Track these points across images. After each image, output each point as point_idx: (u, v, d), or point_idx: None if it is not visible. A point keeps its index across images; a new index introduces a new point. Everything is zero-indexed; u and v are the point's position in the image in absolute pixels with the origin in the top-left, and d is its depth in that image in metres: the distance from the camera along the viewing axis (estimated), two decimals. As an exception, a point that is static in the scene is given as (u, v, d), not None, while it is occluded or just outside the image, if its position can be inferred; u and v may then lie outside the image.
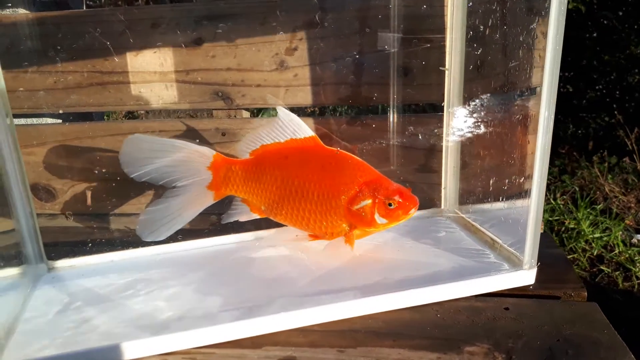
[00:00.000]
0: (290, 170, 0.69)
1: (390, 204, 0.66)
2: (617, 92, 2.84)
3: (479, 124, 0.75)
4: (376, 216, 0.66)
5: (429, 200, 0.84)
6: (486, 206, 0.75)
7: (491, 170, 0.73)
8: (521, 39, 0.65)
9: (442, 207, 0.84)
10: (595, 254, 2.04)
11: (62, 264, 0.74)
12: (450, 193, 0.82)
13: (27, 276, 0.69)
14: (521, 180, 0.67)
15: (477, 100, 0.74)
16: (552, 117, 0.57)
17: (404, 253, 0.73)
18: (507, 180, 0.70)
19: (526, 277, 0.65)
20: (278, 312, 0.59)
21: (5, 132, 0.67)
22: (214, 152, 0.71)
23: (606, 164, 2.54)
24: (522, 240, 0.64)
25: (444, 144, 0.80)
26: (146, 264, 0.74)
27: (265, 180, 0.70)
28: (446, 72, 0.78)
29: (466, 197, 0.80)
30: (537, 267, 0.65)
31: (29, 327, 0.60)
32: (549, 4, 0.54)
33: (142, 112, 1.04)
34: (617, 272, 1.85)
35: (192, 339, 0.57)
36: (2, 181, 0.66)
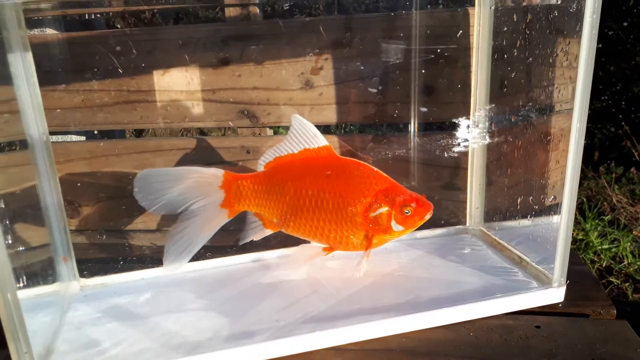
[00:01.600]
0: (304, 180, 0.69)
1: (407, 211, 0.66)
2: (623, 103, 2.85)
3: (505, 141, 0.76)
4: (393, 223, 0.67)
5: (454, 217, 0.85)
6: (512, 223, 0.76)
7: (517, 188, 0.74)
8: (550, 59, 0.66)
9: (467, 224, 0.85)
10: (604, 265, 2.04)
11: (94, 281, 0.75)
12: (475, 210, 0.83)
13: (61, 294, 0.70)
14: (549, 198, 0.68)
15: (502, 118, 0.75)
16: (584, 134, 0.58)
17: (432, 271, 0.74)
18: (533, 198, 0.71)
19: (556, 295, 0.65)
20: (313, 331, 0.59)
21: (41, 149, 0.68)
22: (224, 171, 0.71)
23: (613, 175, 2.55)
24: (550, 257, 0.65)
25: (469, 161, 0.81)
26: (176, 282, 0.75)
27: (276, 192, 0.70)
28: (472, 90, 0.79)
29: (491, 214, 0.81)
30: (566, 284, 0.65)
31: (66, 347, 0.60)
32: (581, 26, 0.55)
33: (168, 130, 1.05)
34: (626, 284, 1.85)
35: (227, 358, 0.57)
36: (38, 197, 0.67)
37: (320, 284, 0.71)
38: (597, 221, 2.25)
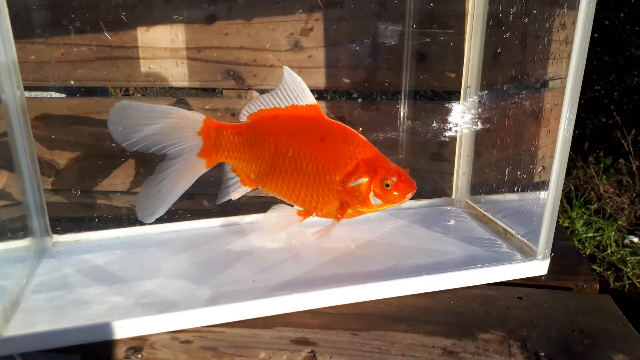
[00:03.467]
0: (286, 138, 0.66)
1: (387, 185, 0.63)
2: (616, 94, 2.85)
3: (496, 113, 0.75)
4: (371, 195, 0.63)
5: (440, 189, 0.84)
6: (499, 196, 0.75)
7: (506, 160, 0.72)
8: (546, 27, 0.64)
9: (453, 196, 0.83)
10: (587, 253, 2.05)
11: (68, 238, 0.73)
12: (461, 182, 0.82)
13: (32, 249, 0.67)
14: (538, 171, 0.67)
15: (494, 89, 0.73)
16: (576, 107, 0.57)
17: (416, 240, 0.72)
18: (521, 171, 0.70)
19: (539, 267, 0.64)
20: (291, 293, 0.58)
21: (15, 105, 0.65)
22: (204, 117, 0.67)
23: (601, 165, 2.55)
24: (536, 230, 0.64)
25: (458, 132, 0.80)
26: (153, 242, 0.73)
27: (257, 146, 0.67)
28: (465, 58, 0.77)
29: (478, 187, 0.80)
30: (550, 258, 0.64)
31: (34, 300, 0.58)
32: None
33: (154, 89, 1.02)
34: (608, 272, 1.87)
35: (203, 317, 0.56)
36: (11, 154, 0.65)
37: (300, 249, 0.70)
38: (583, 210, 2.26)
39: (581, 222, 2.16)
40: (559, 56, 0.66)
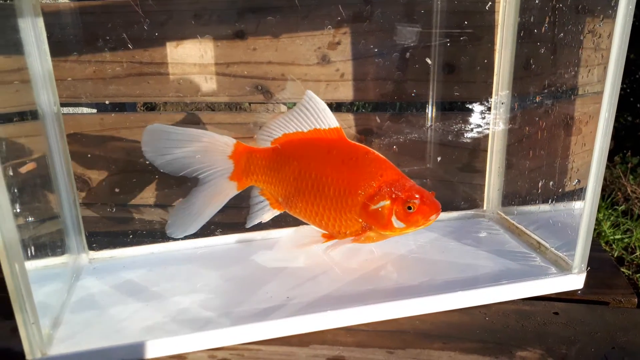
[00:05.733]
0: (309, 162, 0.66)
1: (409, 207, 0.61)
2: (642, 92, 2.78)
3: (527, 123, 0.74)
4: (393, 219, 0.62)
5: (471, 200, 0.83)
6: (532, 208, 0.74)
7: (538, 171, 0.72)
8: (578, 36, 0.63)
9: (485, 208, 0.83)
10: (615, 255, 2.02)
11: (103, 254, 0.74)
12: (493, 194, 0.81)
13: (70, 266, 0.69)
14: (572, 183, 0.66)
15: (526, 99, 0.73)
16: (613, 118, 0.56)
17: (448, 254, 0.72)
18: (555, 182, 0.69)
19: (575, 281, 0.64)
20: (325, 310, 0.58)
21: (52, 120, 0.67)
22: (235, 141, 0.69)
23: (628, 165, 2.50)
24: (571, 243, 0.63)
25: (489, 143, 0.79)
26: (186, 257, 0.74)
27: (284, 170, 0.68)
28: (495, 69, 0.76)
29: (510, 198, 0.79)
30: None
31: (74, 319, 0.60)
32: (616, 3, 0.52)
33: (181, 103, 1.04)
34: (637, 275, 1.83)
35: (239, 335, 0.56)
36: (48, 169, 0.66)
37: (331, 265, 0.70)
38: (610, 211, 2.22)
39: (608, 223, 2.12)
40: (591, 64, 0.65)
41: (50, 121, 0.66)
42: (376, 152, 0.66)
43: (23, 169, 0.58)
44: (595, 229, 2.11)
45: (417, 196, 0.62)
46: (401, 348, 0.56)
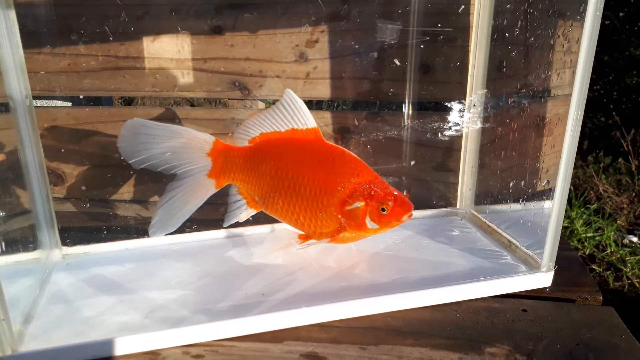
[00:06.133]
0: (286, 162, 0.67)
1: (383, 209, 0.62)
2: (615, 93, 2.86)
3: (500, 124, 0.75)
4: (367, 220, 0.63)
5: (445, 199, 0.85)
6: (503, 207, 0.75)
7: (510, 171, 0.73)
8: (549, 39, 0.65)
9: (458, 206, 0.84)
10: (587, 253, 2.06)
11: (77, 250, 0.73)
12: (466, 193, 0.83)
13: (42, 262, 0.68)
14: (542, 183, 0.68)
15: (499, 100, 0.74)
16: (581, 119, 0.58)
17: (421, 252, 0.73)
18: (525, 182, 0.71)
19: (544, 279, 0.65)
20: (300, 307, 0.59)
21: (24, 114, 0.65)
22: (214, 139, 0.69)
23: (601, 165, 2.57)
24: (540, 242, 0.65)
25: (462, 143, 0.80)
26: (161, 253, 0.74)
27: (260, 169, 0.68)
28: (469, 70, 0.77)
29: (482, 197, 0.81)
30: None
31: (46, 315, 0.59)
32: (585, 7, 0.53)
33: (158, 98, 1.03)
34: (608, 272, 1.88)
35: (213, 331, 0.57)
36: (20, 163, 0.65)
37: (307, 262, 0.70)
38: (582, 209, 2.27)
39: (580, 221, 2.17)
40: (561, 67, 0.66)
41: (22, 114, 0.65)
42: (352, 154, 0.67)
43: None
44: (567, 227, 2.16)
45: (391, 198, 0.62)
46: (374, 344, 0.57)
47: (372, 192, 0.63)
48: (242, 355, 0.55)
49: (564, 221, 2.15)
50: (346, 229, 0.65)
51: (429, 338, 0.58)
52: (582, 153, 2.74)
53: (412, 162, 0.85)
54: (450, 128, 0.82)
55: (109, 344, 0.54)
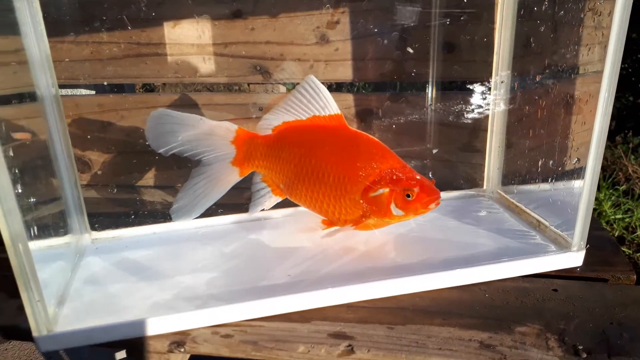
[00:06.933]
0: (309, 149, 0.66)
1: (408, 195, 0.61)
2: (644, 72, 2.76)
3: (527, 102, 0.73)
4: (392, 207, 0.62)
5: (471, 180, 0.83)
6: (532, 187, 0.74)
7: (538, 150, 0.72)
8: (578, 14, 0.63)
9: (485, 187, 0.83)
10: (616, 235, 2.02)
11: (106, 235, 0.75)
12: (493, 173, 0.81)
13: (73, 246, 0.69)
14: (572, 161, 0.66)
15: (526, 78, 0.72)
16: (613, 97, 0.56)
17: (448, 233, 0.72)
18: (554, 161, 0.69)
19: (574, 259, 0.64)
20: (326, 288, 0.59)
21: (51, 102, 0.66)
22: (237, 127, 0.69)
23: (629, 145, 2.50)
24: (570, 221, 0.63)
25: (489, 122, 0.79)
26: (188, 237, 0.75)
27: (284, 156, 0.68)
28: (495, 48, 0.75)
29: (510, 177, 0.79)
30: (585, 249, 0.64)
31: (79, 297, 0.60)
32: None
33: (180, 84, 1.03)
34: (638, 254, 1.84)
35: (242, 311, 0.57)
36: (48, 151, 0.66)
37: (332, 244, 0.70)
38: (611, 191, 2.22)
39: (609, 203, 2.13)
40: (591, 43, 0.64)
41: (49, 103, 0.66)
42: (376, 140, 0.66)
43: (17, 135, 0.57)
44: (596, 209, 2.12)
45: (416, 184, 0.61)
46: (401, 324, 0.56)
47: (397, 179, 0.62)
48: (271, 335, 0.56)
49: None
50: (370, 216, 0.64)
51: (458, 318, 0.57)
52: (610, 133, 2.67)
53: (435, 151, 0.84)
54: (476, 108, 0.81)
55: (140, 324, 0.55)
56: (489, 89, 0.78)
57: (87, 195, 0.90)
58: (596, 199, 2.16)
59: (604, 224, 2.08)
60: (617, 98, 2.87)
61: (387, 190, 0.62)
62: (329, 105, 0.66)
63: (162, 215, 0.77)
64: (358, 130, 0.68)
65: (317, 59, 0.82)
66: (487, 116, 0.80)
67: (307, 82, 0.66)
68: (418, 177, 0.63)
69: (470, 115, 0.82)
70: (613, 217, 2.12)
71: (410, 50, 0.80)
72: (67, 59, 0.83)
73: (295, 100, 0.67)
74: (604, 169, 2.42)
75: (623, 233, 2.04)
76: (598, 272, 0.65)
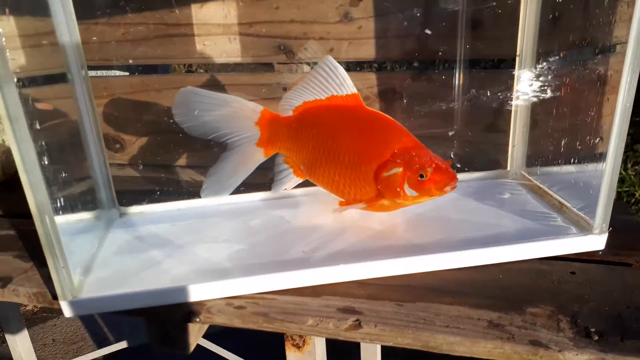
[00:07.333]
0: (326, 130, 0.66)
1: (422, 176, 0.60)
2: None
3: (553, 81, 0.71)
4: (406, 187, 0.61)
5: (495, 161, 0.82)
6: (555, 169, 0.72)
7: (563, 132, 0.69)
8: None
9: (508, 168, 0.81)
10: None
11: (133, 210, 0.78)
12: (517, 154, 0.79)
13: (101, 220, 0.73)
14: (595, 142, 0.64)
15: (552, 56, 0.70)
16: (637, 74, 0.53)
17: (467, 213, 0.72)
18: (579, 142, 0.67)
19: (596, 242, 0.62)
20: (338, 264, 0.60)
21: (80, 84, 0.69)
22: (262, 108, 0.70)
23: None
24: (593, 204, 0.61)
25: (513, 102, 0.77)
26: (211, 213, 0.77)
27: (303, 138, 0.68)
28: (520, 24, 0.73)
29: (534, 158, 0.77)
30: (608, 232, 0.62)
31: (104, 267, 0.64)
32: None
33: (207, 65, 1.05)
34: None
35: (256, 284, 0.59)
36: (79, 131, 0.70)
37: (349, 223, 0.71)
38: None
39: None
40: (620, 19, 0.61)
41: (78, 84, 0.69)
42: (393, 119, 0.66)
43: (40, 106, 0.60)
44: (627, 190, 2.02)
45: (430, 164, 0.60)
46: (411, 301, 0.57)
47: (411, 159, 0.61)
48: (281, 307, 0.57)
49: (623, 186, 2.03)
50: (385, 196, 0.64)
51: (469, 297, 0.57)
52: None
53: (451, 133, 0.83)
54: (500, 86, 0.79)
55: (159, 293, 0.58)
56: (514, 66, 0.76)
57: (119, 173, 0.94)
58: (623, 181, 2.06)
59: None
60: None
61: (400, 170, 0.61)
62: (346, 85, 0.66)
63: (187, 192, 0.80)
64: (374, 110, 0.67)
65: (341, 38, 0.82)
66: (511, 95, 0.77)
67: (325, 62, 0.66)
68: (433, 158, 0.62)
69: (494, 94, 0.80)
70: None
71: (430, 31, 0.79)
72: (100, 40, 0.86)
73: (314, 79, 0.67)
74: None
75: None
76: (621, 257, 0.63)
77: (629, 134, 2.48)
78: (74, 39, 0.68)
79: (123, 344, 1.45)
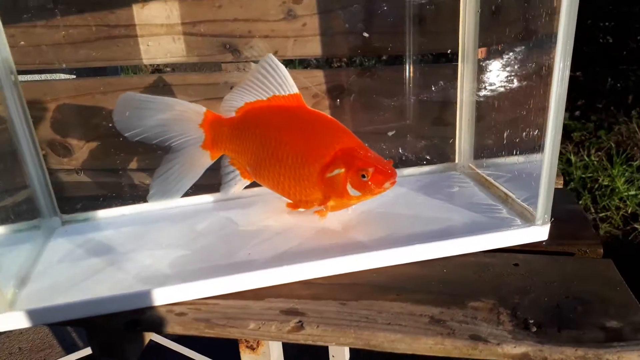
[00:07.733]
0: (269, 130, 0.66)
1: (363, 176, 0.60)
2: (660, 42, 2.66)
3: (495, 74, 0.71)
4: (348, 187, 0.61)
5: (443, 154, 0.82)
6: (500, 160, 0.72)
7: (506, 123, 0.70)
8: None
9: (457, 161, 0.81)
10: (629, 211, 1.98)
11: (76, 217, 0.76)
12: (464, 147, 0.79)
13: (41, 229, 0.71)
14: (537, 133, 0.64)
15: (492, 49, 0.70)
16: (569, 65, 0.53)
17: (414, 208, 0.71)
18: (522, 134, 0.67)
19: (539, 233, 0.62)
20: (281, 265, 0.59)
21: (10, 90, 0.67)
22: (205, 109, 0.68)
23: (645, 119, 2.42)
24: (537, 195, 0.61)
25: (458, 96, 0.77)
26: (156, 218, 0.75)
27: (247, 139, 0.67)
28: (460, 17, 0.73)
29: (481, 151, 0.77)
30: (552, 222, 0.62)
31: (42, 278, 0.61)
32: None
33: (151, 66, 1.03)
34: (652, 231, 1.80)
35: (196, 290, 0.57)
36: (11, 138, 0.67)
37: (297, 222, 0.70)
38: (624, 167, 2.17)
39: (623, 179, 2.08)
40: (556, 11, 0.62)
41: (8, 90, 0.66)
42: (334, 119, 0.65)
43: None
44: (608, 186, 2.07)
45: (371, 164, 0.60)
46: (354, 300, 0.56)
47: (352, 159, 0.61)
48: (224, 312, 0.56)
49: (604, 180, 2.07)
50: (330, 197, 0.64)
51: (412, 293, 0.56)
52: (626, 108, 2.60)
53: (411, 113, 0.82)
54: (444, 80, 0.79)
55: (97, 302, 0.56)
56: (456, 60, 0.76)
57: (68, 179, 0.91)
58: (609, 175, 2.10)
59: (616, 200, 2.03)
60: (634, 71, 2.78)
61: (342, 170, 0.61)
62: (288, 85, 0.65)
63: (132, 197, 0.78)
64: (316, 110, 0.66)
65: (286, 35, 0.81)
66: (456, 88, 0.77)
67: (266, 61, 0.64)
68: (374, 157, 0.62)
69: (439, 89, 0.80)
70: (626, 193, 2.07)
71: (374, 28, 0.78)
72: (41, 44, 0.83)
73: (254, 80, 0.66)
74: (618, 144, 2.36)
75: (636, 209, 1.99)
76: (564, 246, 0.63)
77: (592, 121, 2.52)
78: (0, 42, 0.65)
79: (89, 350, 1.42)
